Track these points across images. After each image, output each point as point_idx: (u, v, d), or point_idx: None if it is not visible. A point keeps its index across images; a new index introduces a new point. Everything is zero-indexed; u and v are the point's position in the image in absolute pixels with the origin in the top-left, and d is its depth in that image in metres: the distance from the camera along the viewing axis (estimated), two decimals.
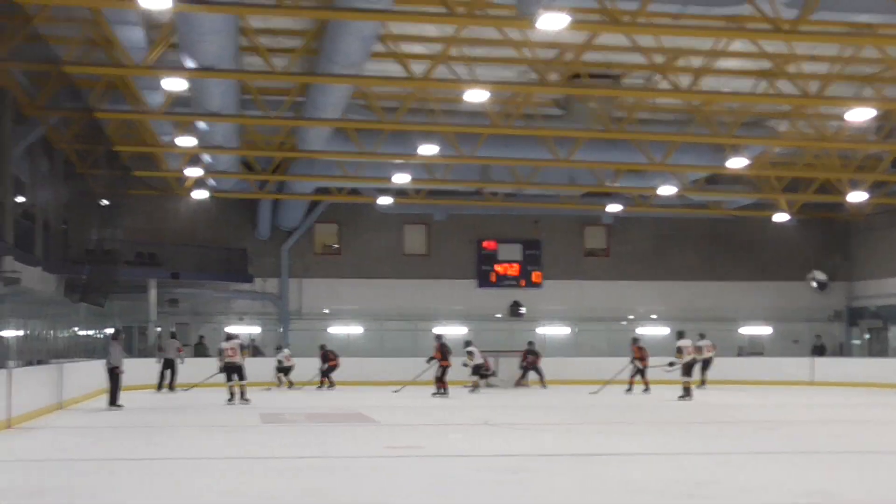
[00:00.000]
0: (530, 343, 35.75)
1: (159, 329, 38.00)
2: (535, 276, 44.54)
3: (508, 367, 35.69)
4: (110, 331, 30.88)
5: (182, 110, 28.62)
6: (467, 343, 32.79)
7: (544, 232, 44.53)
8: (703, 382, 33.35)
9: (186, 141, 30.58)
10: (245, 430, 20.07)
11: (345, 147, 32.05)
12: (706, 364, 33.54)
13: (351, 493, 11.60)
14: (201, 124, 29.31)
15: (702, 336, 33.96)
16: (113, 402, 24.74)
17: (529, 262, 44.58)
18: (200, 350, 38.24)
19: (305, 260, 43.61)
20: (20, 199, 31.61)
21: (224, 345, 27.30)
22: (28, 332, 24.07)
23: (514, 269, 44.51)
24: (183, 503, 10.94)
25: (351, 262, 43.71)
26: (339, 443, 17.42)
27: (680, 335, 29.11)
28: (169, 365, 32.15)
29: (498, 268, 44.43)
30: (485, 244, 44.43)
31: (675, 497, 11.30)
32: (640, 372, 31.77)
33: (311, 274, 43.53)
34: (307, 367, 34.48)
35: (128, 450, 16.46)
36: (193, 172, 34.84)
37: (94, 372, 28.41)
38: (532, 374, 35.17)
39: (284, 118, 28.78)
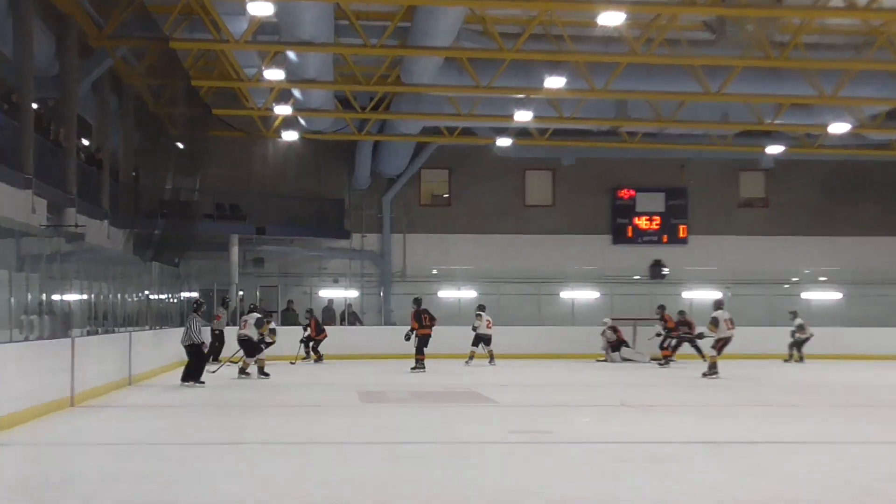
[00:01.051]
0: (681, 312, 35.10)
1: (241, 292, 38.39)
2: (681, 230, 44.34)
3: (647, 337, 35.46)
4: (188, 295, 31.25)
5: (269, 39, 28.90)
6: (480, 307, 33.03)
7: (691, 179, 44.25)
8: (801, 358, 35.05)
9: (274, 74, 30.84)
10: (344, 410, 20.20)
11: (457, 80, 32.04)
12: (802, 343, 35.22)
13: (472, 487, 11.56)
14: (291, 55, 29.51)
15: (794, 315, 35.55)
16: (196, 378, 24.96)
17: (673, 215, 44.39)
18: (289, 318, 38.26)
19: (411, 213, 43.89)
20: (85, 142, 32.17)
21: (244, 317, 27.92)
22: (93, 295, 24.45)
23: (655, 223, 44.35)
24: (277, 495, 11.01)
25: (463, 215, 43.89)
26: (455, 427, 17.43)
27: (718, 305, 28.79)
28: (219, 338, 32.07)
29: (636, 221, 44.28)
30: (620, 193, 44.34)
31: (856, 494, 11.09)
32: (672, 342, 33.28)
33: (416, 229, 43.81)
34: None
35: (212, 432, 16.73)
36: (282, 111, 35.15)
37: (167, 342, 28.84)
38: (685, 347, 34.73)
39: (387, 47, 28.84)
